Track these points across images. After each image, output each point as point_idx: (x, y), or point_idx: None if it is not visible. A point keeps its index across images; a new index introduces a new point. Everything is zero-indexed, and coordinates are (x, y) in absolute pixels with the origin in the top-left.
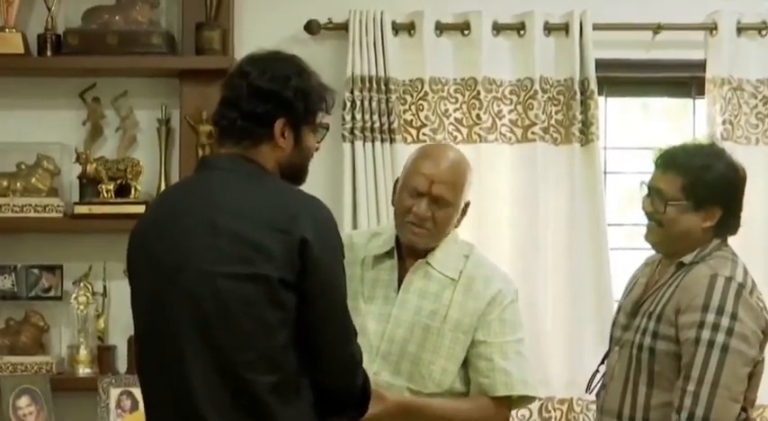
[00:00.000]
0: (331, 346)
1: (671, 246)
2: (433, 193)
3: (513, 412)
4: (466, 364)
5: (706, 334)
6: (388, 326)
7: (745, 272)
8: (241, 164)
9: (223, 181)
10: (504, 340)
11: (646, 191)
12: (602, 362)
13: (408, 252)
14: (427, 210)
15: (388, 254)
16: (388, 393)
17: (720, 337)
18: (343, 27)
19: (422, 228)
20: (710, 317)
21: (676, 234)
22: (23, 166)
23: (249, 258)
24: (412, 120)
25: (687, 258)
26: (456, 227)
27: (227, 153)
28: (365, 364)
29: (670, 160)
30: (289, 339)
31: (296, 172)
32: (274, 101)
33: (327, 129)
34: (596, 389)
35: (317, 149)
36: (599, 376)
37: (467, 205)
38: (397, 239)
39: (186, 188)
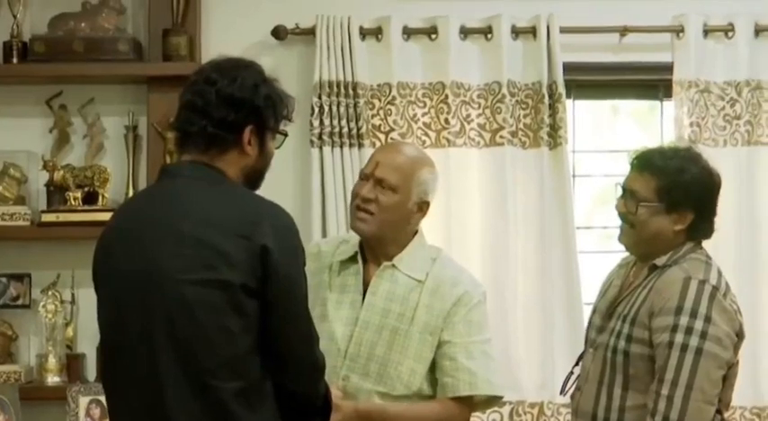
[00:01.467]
0: (293, 352)
1: (643, 247)
2: (376, 175)
3: (483, 416)
4: (434, 366)
5: (679, 337)
6: (356, 330)
7: (719, 274)
8: (204, 171)
9: (187, 188)
10: (470, 340)
11: (620, 192)
12: (577, 364)
13: (374, 256)
14: (370, 192)
15: (353, 258)
16: (343, 402)
17: (694, 341)
18: (311, 32)
19: (365, 211)
20: (684, 321)
21: (647, 236)
22: None
23: (213, 265)
24: (380, 125)
25: (660, 260)
26: (413, 226)
27: (189, 160)
28: (334, 368)
29: (646, 162)
30: (252, 345)
31: (257, 178)
32: (245, 109)
33: (287, 135)
34: (570, 391)
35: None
36: (573, 377)
37: (425, 204)
38: (362, 245)
39: (149, 196)
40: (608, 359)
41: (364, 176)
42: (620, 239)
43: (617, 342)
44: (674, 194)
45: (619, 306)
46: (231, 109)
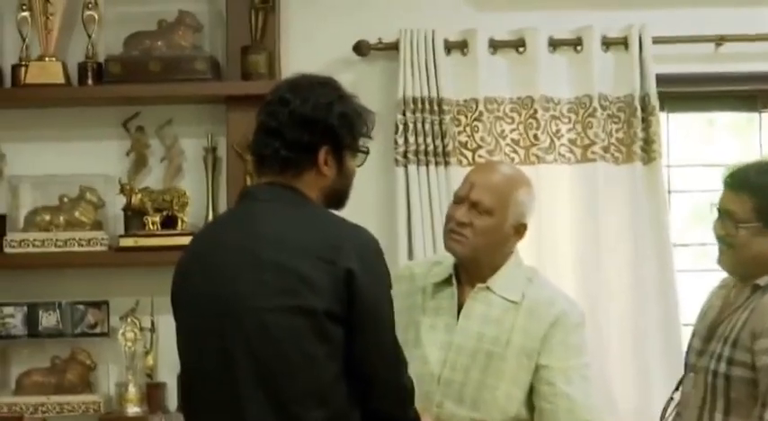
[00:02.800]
0: (380, 377)
1: (744, 269)
2: (471, 198)
3: None
4: (532, 390)
5: None
6: (450, 354)
7: None
8: (284, 193)
9: (266, 212)
10: (568, 364)
11: (716, 213)
12: (677, 389)
13: (468, 278)
14: (465, 216)
15: (447, 281)
16: None
17: None
18: (394, 47)
19: (460, 234)
20: None
21: (748, 257)
22: (66, 199)
23: (294, 290)
24: (467, 142)
25: (763, 280)
26: (509, 248)
27: (268, 182)
28: (428, 394)
29: (741, 180)
30: (337, 373)
31: (338, 198)
32: (319, 129)
33: (368, 153)
34: (671, 418)
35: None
36: (673, 404)
37: (522, 226)
38: (456, 267)
39: (228, 220)
40: (709, 383)
41: (458, 199)
42: (719, 261)
43: (718, 365)
44: None
45: (719, 328)
46: (304, 130)
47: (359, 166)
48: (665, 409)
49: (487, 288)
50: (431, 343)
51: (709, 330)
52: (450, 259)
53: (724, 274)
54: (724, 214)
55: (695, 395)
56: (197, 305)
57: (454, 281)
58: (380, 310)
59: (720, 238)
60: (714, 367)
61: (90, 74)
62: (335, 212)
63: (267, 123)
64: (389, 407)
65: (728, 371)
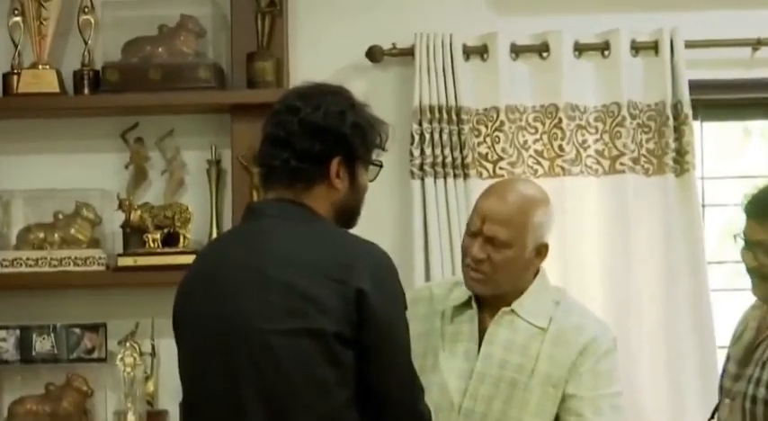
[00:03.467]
0: (394, 406)
1: None
2: (485, 233)
3: None
4: None
5: None
6: (471, 383)
7: None
8: (291, 209)
9: (273, 229)
10: (599, 394)
11: (742, 244)
12: (712, 417)
13: (490, 301)
14: (480, 252)
15: (467, 303)
16: None
17: None
18: (409, 52)
19: (478, 271)
20: None
21: None
22: (61, 216)
23: (301, 311)
24: (487, 154)
25: None
26: (533, 271)
27: (275, 198)
28: None
29: (762, 207)
30: (348, 399)
31: (350, 215)
32: (331, 138)
33: (381, 166)
34: None
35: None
36: None
37: (543, 247)
38: None
39: (234, 238)
40: (747, 410)
41: (471, 234)
42: (755, 292)
43: (756, 390)
44: None
45: (756, 351)
46: (315, 139)
47: (371, 181)
48: None
49: (512, 311)
50: (450, 370)
51: (745, 353)
52: None
53: None
54: (753, 245)
55: None
56: (200, 326)
57: (474, 304)
58: (394, 332)
59: (753, 271)
60: (753, 392)
61: (86, 82)
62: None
63: (275, 133)
64: None
65: None
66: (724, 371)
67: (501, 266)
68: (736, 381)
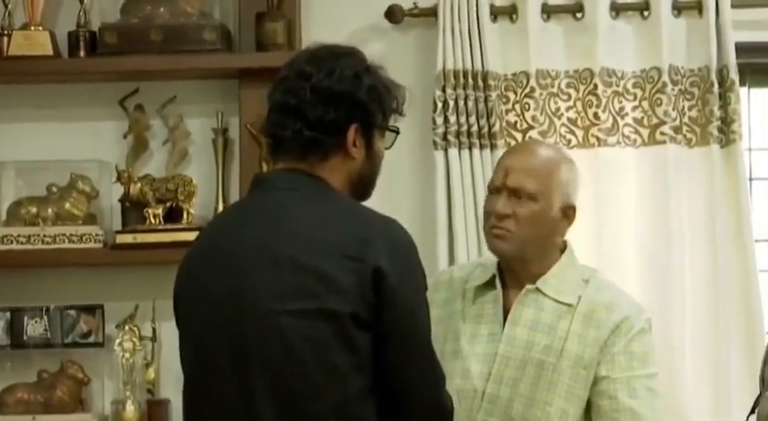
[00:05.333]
0: (414, 394)
1: None
2: (509, 185)
3: None
4: (589, 407)
5: None
6: (495, 366)
7: None
8: (304, 181)
9: (284, 202)
10: (633, 374)
11: None
12: (753, 411)
13: (515, 279)
14: (505, 207)
15: (490, 283)
16: None
17: None
18: (432, 13)
19: (502, 228)
20: None
21: None
22: (55, 189)
23: (314, 291)
24: (516, 122)
25: None
26: (559, 237)
27: (286, 169)
28: (470, 412)
29: None
30: (364, 387)
31: (366, 186)
32: (346, 105)
33: (398, 133)
34: None
35: None
36: None
37: (570, 208)
38: (501, 267)
39: (240, 212)
40: None
41: (494, 189)
42: None
43: None
44: None
45: None
46: (330, 106)
47: (388, 149)
48: None
49: (537, 289)
50: (472, 353)
51: None
52: (495, 260)
53: None
54: None
55: None
56: (204, 307)
57: (498, 283)
58: (414, 314)
59: None
60: None
61: (82, 45)
62: (363, 203)
63: (285, 101)
64: None
65: None
66: (765, 360)
67: (527, 221)
68: None
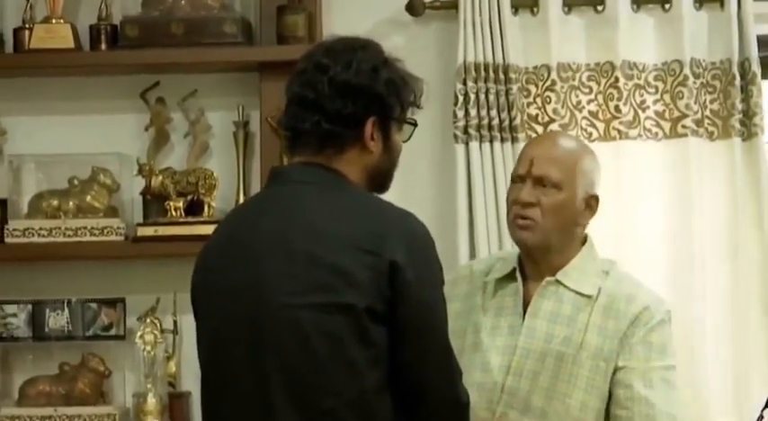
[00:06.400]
0: (430, 388)
1: None
2: (534, 174)
3: None
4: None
5: None
6: (515, 359)
7: None
8: (321, 174)
9: (300, 196)
10: (649, 365)
11: None
12: (767, 406)
13: (536, 270)
14: (530, 195)
15: (511, 276)
16: None
17: None
18: (453, 6)
19: (527, 218)
20: None
21: None
22: (76, 182)
23: (329, 285)
24: (537, 115)
25: None
26: (582, 227)
27: (303, 162)
28: (490, 404)
29: None
30: (380, 381)
31: (383, 179)
32: (364, 98)
33: (416, 125)
34: None
35: None
36: None
37: (593, 198)
38: (521, 260)
39: (257, 205)
40: None
41: (518, 178)
42: None
43: None
44: None
45: None
46: (348, 99)
47: (405, 142)
48: None
49: (557, 281)
50: (492, 347)
51: None
52: (515, 253)
53: None
54: None
55: None
56: (221, 300)
57: (518, 275)
58: (430, 309)
59: None
60: None
61: (103, 38)
62: (381, 196)
63: (303, 94)
64: None
65: None
66: None
67: (551, 211)
68: None
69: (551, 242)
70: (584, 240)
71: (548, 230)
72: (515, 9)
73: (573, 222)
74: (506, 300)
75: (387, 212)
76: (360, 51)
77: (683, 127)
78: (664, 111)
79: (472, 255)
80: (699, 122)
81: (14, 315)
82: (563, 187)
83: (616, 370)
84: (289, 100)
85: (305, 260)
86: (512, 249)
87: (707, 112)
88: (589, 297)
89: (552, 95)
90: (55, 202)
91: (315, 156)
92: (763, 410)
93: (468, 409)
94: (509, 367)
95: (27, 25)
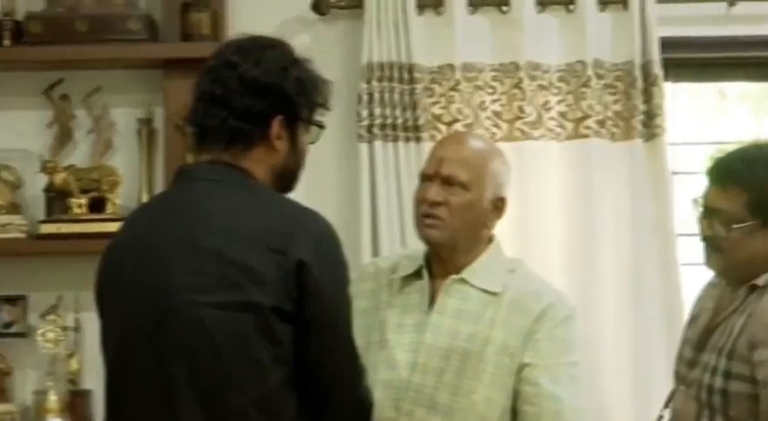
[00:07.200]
0: (335, 388)
1: (739, 272)
2: (442, 173)
3: None
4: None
5: None
6: (420, 356)
7: None
8: (228, 173)
9: (207, 194)
10: (556, 362)
11: (700, 210)
12: (667, 405)
13: (442, 269)
14: (438, 194)
15: (417, 273)
16: None
17: None
18: (358, 5)
19: (434, 217)
20: None
21: (744, 259)
22: None
23: (237, 284)
24: (441, 115)
25: (761, 280)
26: (488, 230)
27: (209, 160)
28: (396, 401)
29: (728, 172)
30: (285, 380)
31: (289, 179)
32: (273, 96)
33: (323, 127)
34: None
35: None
36: None
37: (500, 200)
38: (428, 258)
39: (163, 203)
40: (703, 400)
41: (427, 177)
42: (708, 265)
43: (712, 379)
44: None
45: (713, 335)
46: (256, 97)
47: (312, 143)
48: None
49: (463, 279)
50: (399, 344)
51: (701, 338)
52: (421, 251)
53: None
54: (712, 213)
55: (686, 412)
56: (127, 299)
57: (425, 273)
58: (337, 309)
59: (707, 240)
60: (709, 381)
61: (7, 34)
62: (287, 195)
63: (212, 90)
64: None
65: (725, 386)
66: (679, 355)
67: (458, 211)
68: (691, 368)
69: (458, 241)
70: (491, 240)
71: (454, 229)
72: (420, 8)
73: (479, 223)
74: (412, 298)
75: (294, 211)
76: (270, 50)
77: (586, 128)
78: (567, 111)
79: (375, 252)
80: (601, 123)
81: None
82: (470, 188)
83: (522, 366)
84: (197, 96)
85: (212, 258)
86: (417, 247)
87: (609, 113)
88: (495, 294)
89: (456, 95)
90: None
91: (221, 154)
92: (662, 410)
93: (371, 409)
94: (415, 364)
95: None
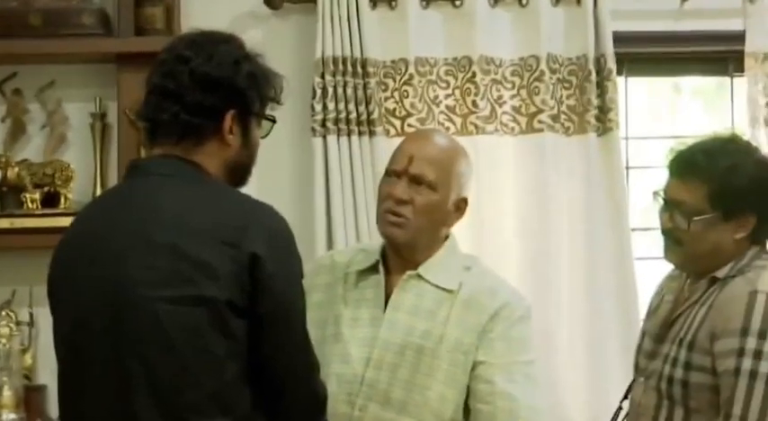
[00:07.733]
0: (289, 382)
1: (699, 264)
2: (411, 172)
3: None
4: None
5: (747, 363)
6: (375, 351)
7: None
8: (180, 167)
9: (160, 188)
10: (511, 360)
11: (661, 202)
12: (626, 397)
13: (399, 264)
14: (405, 193)
15: (373, 268)
16: None
17: (765, 367)
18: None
19: (399, 215)
20: (752, 343)
21: (704, 251)
22: None
23: (190, 278)
24: (395, 109)
25: (721, 272)
26: (447, 229)
27: (161, 154)
28: (350, 396)
29: (688, 165)
30: (240, 373)
31: (242, 173)
32: (225, 90)
33: (274, 122)
34: None
35: None
36: (623, 414)
37: (462, 201)
38: (384, 253)
39: (116, 198)
40: (663, 391)
41: (394, 173)
42: (668, 257)
43: (673, 370)
44: (731, 199)
45: (673, 327)
46: (208, 91)
47: (263, 138)
48: (613, 420)
49: (419, 275)
50: (353, 338)
51: (661, 330)
52: (377, 245)
53: None
54: (672, 205)
55: (646, 404)
56: (80, 294)
57: (381, 268)
58: (290, 303)
59: (667, 233)
60: (669, 372)
61: None
62: (240, 190)
63: (163, 85)
64: (299, 417)
65: (686, 377)
66: (638, 347)
67: (423, 211)
68: (651, 360)
69: (419, 240)
70: (447, 236)
71: (418, 229)
72: (373, 3)
73: (442, 222)
74: (367, 292)
75: (247, 205)
76: (222, 44)
77: (540, 122)
78: (520, 106)
79: (329, 245)
80: (555, 117)
81: None
82: (437, 188)
83: (476, 364)
84: (149, 90)
85: (165, 253)
86: (373, 242)
87: (563, 108)
88: (450, 291)
89: (410, 89)
90: None
91: (173, 148)
92: (622, 401)
93: (325, 403)
94: (369, 359)
95: None
